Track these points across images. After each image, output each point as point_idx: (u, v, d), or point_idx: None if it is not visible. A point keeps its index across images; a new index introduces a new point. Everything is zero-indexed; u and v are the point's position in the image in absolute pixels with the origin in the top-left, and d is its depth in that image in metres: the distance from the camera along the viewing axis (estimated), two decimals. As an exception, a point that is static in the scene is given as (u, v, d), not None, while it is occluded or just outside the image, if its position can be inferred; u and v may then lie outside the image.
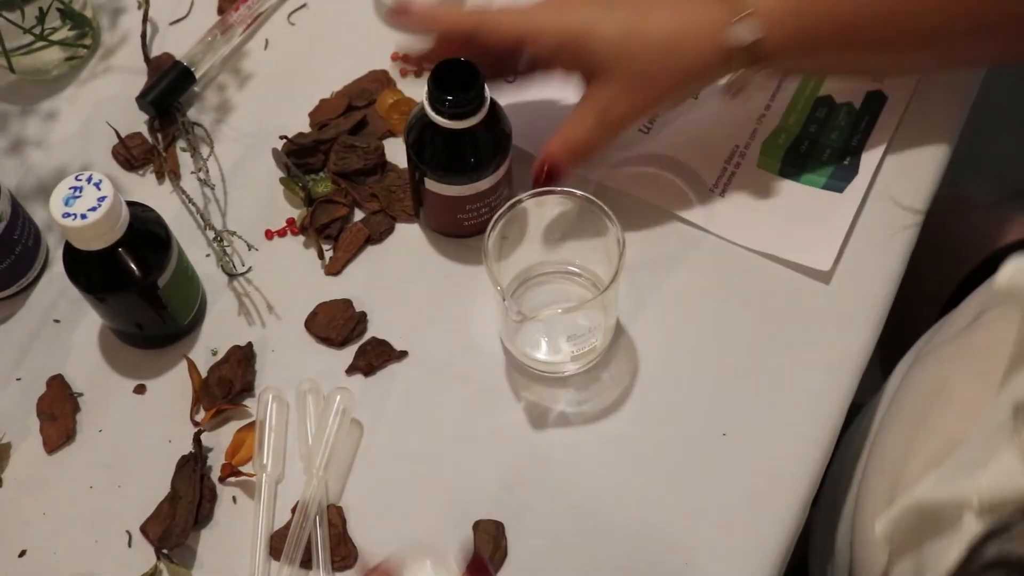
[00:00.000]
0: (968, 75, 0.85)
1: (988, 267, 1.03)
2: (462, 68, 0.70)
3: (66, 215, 0.67)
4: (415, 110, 0.73)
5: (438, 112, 0.70)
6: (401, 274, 0.79)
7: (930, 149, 0.82)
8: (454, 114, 0.70)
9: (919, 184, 0.81)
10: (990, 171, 1.80)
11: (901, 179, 0.81)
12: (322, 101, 0.85)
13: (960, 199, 1.18)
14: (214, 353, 0.77)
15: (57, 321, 0.79)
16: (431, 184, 0.73)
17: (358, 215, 0.81)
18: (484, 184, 0.74)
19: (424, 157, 0.73)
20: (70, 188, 0.68)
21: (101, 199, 0.67)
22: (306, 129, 0.84)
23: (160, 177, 0.84)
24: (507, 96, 0.79)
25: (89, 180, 0.68)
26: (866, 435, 0.85)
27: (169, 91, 0.85)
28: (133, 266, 0.71)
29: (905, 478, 0.70)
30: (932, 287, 1.06)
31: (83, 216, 0.67)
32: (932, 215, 0.87)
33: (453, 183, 0.73)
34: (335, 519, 0.71)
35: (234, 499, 0.73)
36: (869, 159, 0.81)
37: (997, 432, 0.59)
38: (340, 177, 0.81)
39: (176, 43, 0.89)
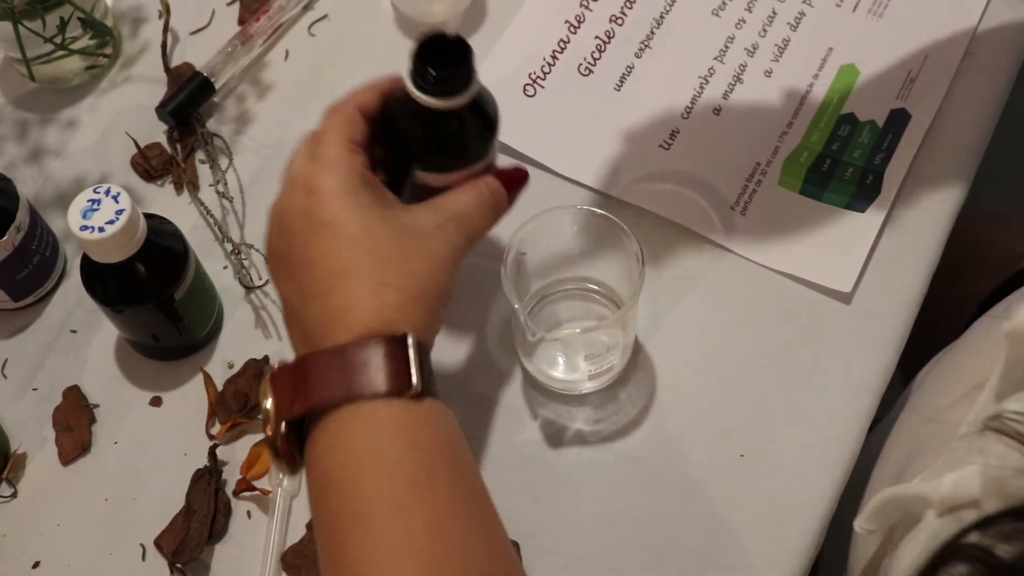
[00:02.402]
0: (993, 93, 0.85)
1: (1012, 286, 1.03)
2: (446, 42, 0.61)
3: (84, 228, 0.67)
4: (393, 97, 0.64)
5: (426, 90, 0.60)
6: (419, 288, 0.79)
7: (954, 168, 0.82)
8: (445, 90, 0.60)
9: (943, 203, 0.80)
10: (1015, 186, 1.79)
11: (925, 198, 0.80)
12: (342, 113, 0.85)
13: (983, 215, 1.17)
14: (230, 366, 0.77)
15: (74, 331, 0.79)
16: (424, 176, 0.64)
17: (376, 229, 0.81)
18: (479, 166, 0.65)
19: (412, 146, 0.64)
20: (88, 200, 0.68)
21: (119, 212, 0.67)
22: (325, 141, 0.84)
23: (178, 188, 0.84)
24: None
25: (107, 193, 0.68)
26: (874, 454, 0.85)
27: (189, 101, 0.85)
28: (150, 279, 0.71)
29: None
30: (955, 305, 1.05)
31: (101, 229, 0.67)
32: (955, 231, 0.87)
33: (451, 169, 0.64)
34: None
35: (248, 514, 0.73)
36: (892, 178, 0.81)
37: (968, 442, 0.60)
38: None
39: (196, 53, 0.89)
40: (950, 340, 1.04)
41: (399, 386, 0.54)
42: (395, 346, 0.55)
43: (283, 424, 0.56)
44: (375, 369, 0.54)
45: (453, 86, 0.61)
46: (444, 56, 0.60)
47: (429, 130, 0.63)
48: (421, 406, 0.56)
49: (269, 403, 0.56)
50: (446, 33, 0.61)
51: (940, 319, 1.06)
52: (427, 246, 0.59)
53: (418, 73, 0.60)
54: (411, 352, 0.55)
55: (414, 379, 0.55)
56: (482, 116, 0.64)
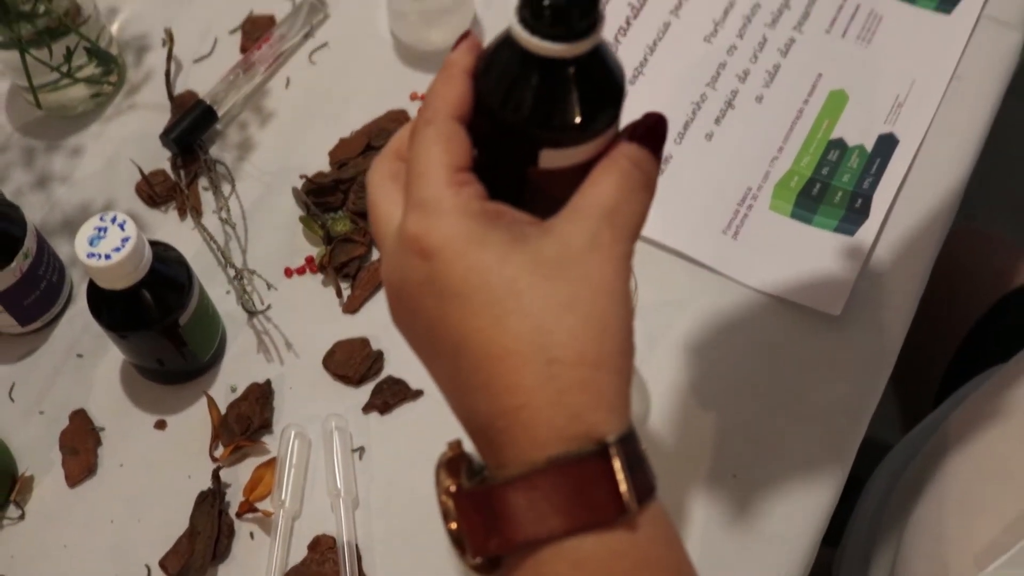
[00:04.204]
0: (980, 117, 0.86)
1: (1004, 307, 1.04)
2: None
3: (91, 255, 0.68)
4: (491, 66, 0.48)
5: (544, 33, 0.45)
6: (417, 312, 0.80)
7: (942, 191, 0.83)
8: (571, 31, 0.45)
9: (931, 226, 0.82)
10: (1009, 203, 1.81)
11: (913, 222, 0.82)
12: (342, 140, 0.87)
13: (976, 234, 1.18)
14: (233, 390, 0.79)
15: (80, 356, 0.81)
16: (550, 158, 0.48)
17: (375, 253, 0.82)
18: (613, 131, 0.49)
19: (530, 121, 0.47)
20: (95, 228, 0.69)
21: (125, 240, 0.69)
22: (326, 168, 0.86)
23: (182, 214, 0.85)
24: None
25: (114, 221, 0.69)
26: (902, 490, 0.86)
27: (192, 129, 0.87)
28: (155, 305, 0.72)
29: (960, 564, 0.71)
30: (950, 324, 1.06)
31: (107, 256, 0.68)
32: (948, 250, 0.88)
33: (584, 138, 0.48)
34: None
35: (251, 535, 0.74)
36: (880, 202, 0.82)
37: None
38: (359, 216, 0.82)
39: (199, 81, 0.91)
40: (943, 362, 1.06)
41: (608, 515, 0.44)
42: (595, 464, 0.44)
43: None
44: (575, 500, 0.44)
45: (578, 23, 0.45)
46: None
47: (552, 89, 0.47)
48: (636, 535, 0.45)
49: (455, 526, 0.47)
50: None
51: (934, 341, 1.07)
52: (586, 275, 0.46)
53: (533, 13, 0.45)
54: (616, 464, 0.44)
55: (625, 499, 0.44)
56: (609, 57, 0.48)
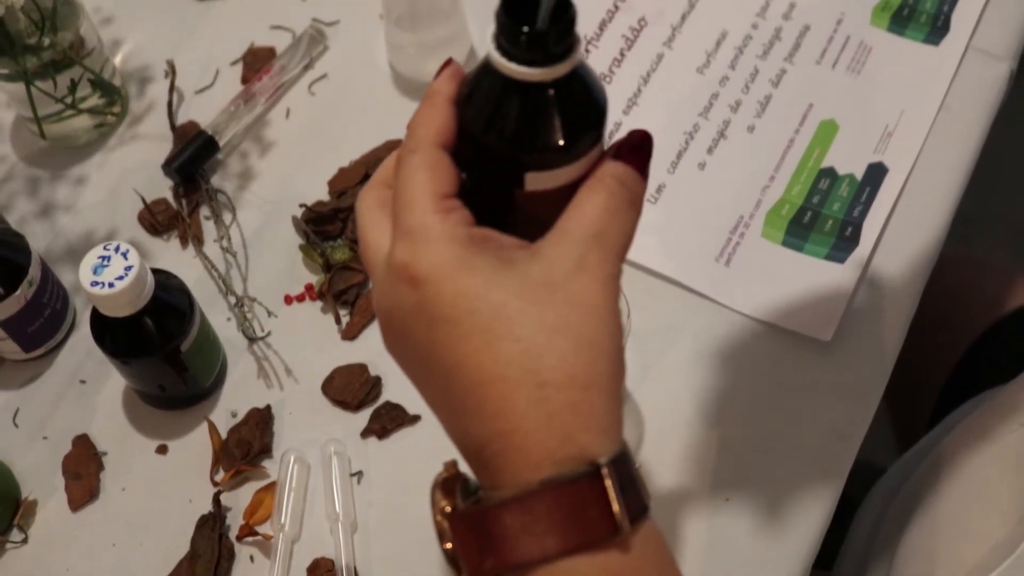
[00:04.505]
0: (968, 147, 0.88)
1: (997, 332, 1.05)
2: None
3: (94, 283, 0.70)
4: (472, 93, 0.49)
5: (521, 58, 0.46)
6: (415, 339, 0.82)
7: (930, 219, 0.85)
8: (548, 56, 0.46)
9: (920, 254, 0.83)
10: (1005, 228, 1.82)
11: (902, 249, 0.83)
12: (341, 169, 0.89)
13: (968, 261, 1.20)
14: (234, 415, 0.80)
15: (83, 382, 0.82)
16: (534, 181, 0.49)
17: (374, 281, 0.84)
18: (596, 151, 0.50)
19: (512, 146, 0.47)
20: (99, 257, 0.71)
21: (128, 268, 0.70)
22: (325, 197, 0.87)
23: (184, 242, 0.87)
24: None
25: (117, 250, 0.71)
26: (894, 513, 0.87)
27: (193, 159, 0.88)
28: (157, 332, 0.73)
29: None
30: (943, 350, 1.08)
31: (111, 285, 0.70)
32: (941, 277, 0.89)
33: (567, 160, 0.48)
34: (348, 580, 0.73)
35: (251, 558, 0.75)
36: (870, 230, 0.84)
37: None
38: (357, 244, 0.84)
39: (201, 111, 0.93)
40: (937, 386, 1.07)
41: (601, 535, 0.45)
42: (587, 485, 0.45)
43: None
44: (568, 520, 0.45)
45: (554, 47, 0.46)
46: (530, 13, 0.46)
47: (533, 113, 0.47)
48: (630, 554, 0.45)
49: (450, 546, 0.48)
50: None
51: (928, 365, 1.09)
52: (574, 297, 0.46)
53: (509, 39, 0.46)
54: (608, 484, 0.45)
55: (618, 519, 0.44)
56: (589, 79, 0.49)
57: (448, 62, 0.50)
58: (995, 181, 1.77)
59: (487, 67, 0.47)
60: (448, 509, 0.48)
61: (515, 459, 0.45)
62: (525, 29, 0.45)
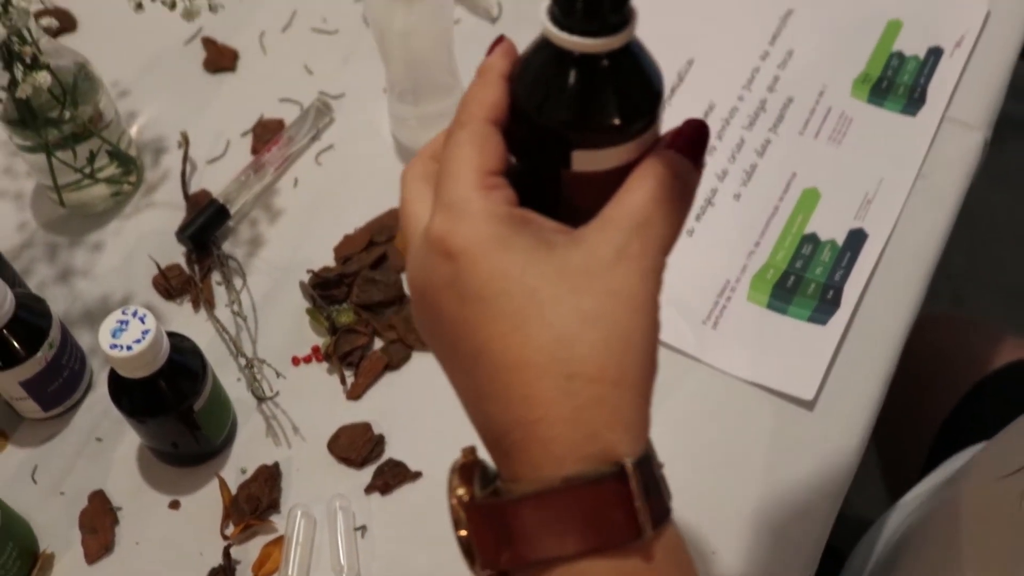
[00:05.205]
0: (944, 212, 0.92)
1: (981, 390, 1.08)
2: None
3: (113, 346, 0.73)
4: (525, 66, 0.48)
5: (575, 28, 0.44)
6: (417, 399, 0.85)
7: (908, 282, 0.89)
8: (603, 26, 0.44)
9: (897, 315, 0.87)
10: (996, 287, 1.86)
11: (881, 311, 0.87)
12: (346, 236, 0.92)
13: (955, 320, 1.23)
14: (243, 471, 0.83)
15: (99, 439, 0.85)
16: (583, 161, 0.47)
17: (378, 343, 0.87)
18: (650, 134, 0.48)
19: (563, 121, 0.46)
20: (118, 321, 0.74)
21: (145, 332, 0.74)
22: (331, 263, 0.91)
23: (196, 306, 0.91)
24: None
25: (135, 314, 0.75)
26: (878, 568, 0.90)
27: (206, 226, 0.92)
28: (172, 392, 0.77)
29: None
30: (931, 408, 1.10)
31: (129, 348, 0.73)
32: (929, 336, 0.92)
33: (619, 140, 0.47)
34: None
35: (260, 609, 0.79)
36: (851, 293, 0.87)
37: None
38: (362, 308, 0.88)
39: (213, 180, 0.97)
40: (926, 443, 1.10)
41: (622, 538, 0.44)
42: (611, 486, 0.44)
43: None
44: (589, 521, 0.44)
45: (610, 17, 0.44)
46: None
47: (585, 87, 0.46)
48: (650, 559, 0.45)
49: (464, 534, 0.47)
50: None
51: (917, 423, 1.12)
52: (612, 287, 0.45)
53: (563, 10, 0.45)
54: (633, 486, 0.44)
55: (640, 523, 0.44)
56: (644, 59, 0.47)
57: (500, 39, 0.49)
58: (988, 242, 1.82)
59: (541, 41, 0.46)
60: (465, 497, 0.47)
61: (537, 451, 0.44)
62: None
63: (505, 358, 0.44)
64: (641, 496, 0.43)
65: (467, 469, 0.48)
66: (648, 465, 0.45)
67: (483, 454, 0.48)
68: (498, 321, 0.44)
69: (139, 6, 0.78)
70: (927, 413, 1.11)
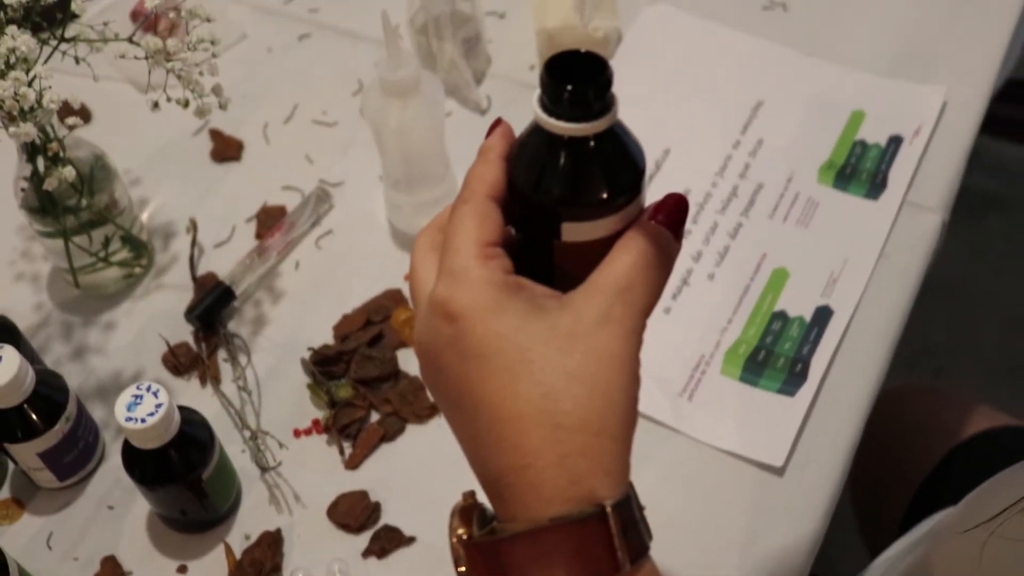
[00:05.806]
0: (905, 290, 0.97)
1: (953, 459, 1.13)
2: (580, 60, 0.51)
3: (129, 419, 0.78)
4: (520, 147, 0.54)
5: (562, 115, 0.50)
6: (411, 468, 0.90)
7: (871, 356, 0.94)
8: (587, 112, 0.50)
9: (861, 387, 0.92)
10: (972, 358, 1.91)
11: (845, 383, 0.92)
12: (344, 316, 0.97)
13: (929, 391, 1.28)
14: (247, 537, 0.87)
15: (111, 507, 0.90)
16: (572, 232, 0.52)
17: (374, 416, 0.92)
18: (634, 207, 0.53)
19: (551, 196, 0.52)
20: (132, 396, 0.79)
21: (158, 406, 0.79)
22: (330, 341, 0.96)
23: (203, 382, 0.96)
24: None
25: (148, 389, 0.80)
26: None
27: (212, 307, 0.97)
28: (181, 462, 0.82)
29: None
30: (906, 475, 1.14)
31: (143, 420, 0.78)
32: (903, 407, 0.96)
33: (603, 212, 0.52)
34: None
35: (263, 668, 0.83)
36: (817, 366, 0.92)
37: None
38: (359, 383, 0.93)
39: (219, 263, 1.02)
40: (901, 509, 1.14)
41: (604, 572, 0.49)
42: (593, 525, 0.49)
43: None
44: (574, 556, 0.48)
45: (594, 104, 0.50)
46: (577, 73, 0.50)
47: (572, 165, 0.51)
48: None
49: (463, 570, 0.53)
50: (577, 50, 0.51)
51: (892, 490, 1.16)
52: (595, 348, 0.50)
53: (552, 98, 0.50)
54: (612, 525, 0.49)
55: (619, 559, 0.49)
56: (627, 140, 0.52)
57: (498, 121, 0.55)
58: (967, 316, 1.87)
59: (533, 126, 0.52)
60: (464, 535, 0.53)
61: (527, 493, 0.49)
62: (567, 88, 0.49)
63: (500, 411, 0.50)
64: (620, 534, 0.48)
65: (467, 511, 0.54)
66: (627, 506, 0.50)
67: (482, 498, 0.54)
68: (494, 377, 0.50)
69: (156, 105, 0.83)
70: (904, 477, 1.14)
